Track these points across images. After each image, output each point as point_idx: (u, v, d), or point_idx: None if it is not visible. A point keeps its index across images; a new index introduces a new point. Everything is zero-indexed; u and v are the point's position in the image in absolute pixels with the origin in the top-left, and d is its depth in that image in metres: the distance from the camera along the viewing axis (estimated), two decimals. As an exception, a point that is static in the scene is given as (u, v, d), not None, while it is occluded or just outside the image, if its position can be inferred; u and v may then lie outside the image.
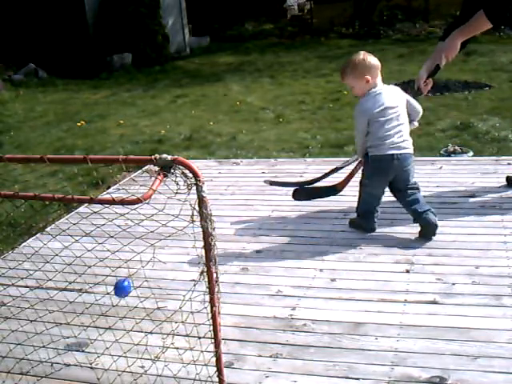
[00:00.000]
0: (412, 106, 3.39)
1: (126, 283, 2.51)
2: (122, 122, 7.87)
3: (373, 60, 3.23)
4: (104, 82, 11.14)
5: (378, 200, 3.39)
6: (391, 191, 3.39)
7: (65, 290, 2.73)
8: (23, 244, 3.69)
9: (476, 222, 3.47)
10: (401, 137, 3.22)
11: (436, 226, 3.24)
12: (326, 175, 3.75)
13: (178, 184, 1.78)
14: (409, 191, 3.30)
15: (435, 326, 2.48)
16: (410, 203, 3.29)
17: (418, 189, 3.32)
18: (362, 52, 3.25)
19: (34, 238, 3.72)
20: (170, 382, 2.22)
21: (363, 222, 3.46)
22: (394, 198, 3.91)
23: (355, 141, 3.42)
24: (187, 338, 2.28)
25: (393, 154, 3.19)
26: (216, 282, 1.91)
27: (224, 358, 2.09)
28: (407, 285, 2.84)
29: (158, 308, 2.51)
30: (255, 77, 10.48)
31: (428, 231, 3.26)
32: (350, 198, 3.99)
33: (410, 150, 3.29)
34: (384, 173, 3.27)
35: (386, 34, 14.35)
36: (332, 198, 4.01)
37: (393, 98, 3.24)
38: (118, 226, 2.31)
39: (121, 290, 2.54)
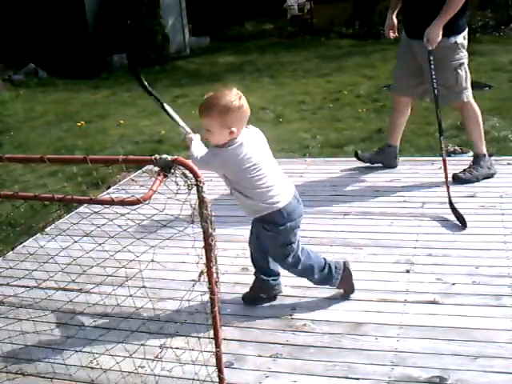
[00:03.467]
0: None
1: None
2: (122, 121, 7.86)
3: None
4: (104, 81, 11.14)
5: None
6: None
7: (65, 290, 2.73)
8: (23, 244, 3.68)
9: (476, 222, 3.47)
10: None
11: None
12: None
13: (178, 184, 1.79)
14: None
15: (435, 326, 2.48)
16: None
17: None
18: (230, 91, 2.48)
19: (33, 238, 3.72)
20: (170, 382, 2.22)
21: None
22: (393, 198, 3.92)
23: None
24: (187, 339, 2.29)
25: None
26: (216, 282, 1.91)
27: (224, 358, 2.09)
28: (407, 285, 2.84)
29: (158, 308, 2.52)
30: (255, 77, 10.47)
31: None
32: (349, 198, 4.00)
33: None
34: None
35: (386, 33, 14.33)
36: (332, 198, 4.02)
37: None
38: (119, 226, 2.31)
39: None
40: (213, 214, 1.81)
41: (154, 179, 1.73)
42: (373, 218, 3.65)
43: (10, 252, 3.56)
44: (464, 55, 4.09)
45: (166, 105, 2.95)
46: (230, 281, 2.97)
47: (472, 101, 4.15)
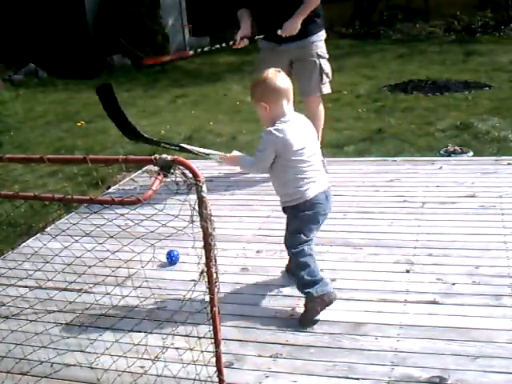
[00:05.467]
0: None
1: (175, 252, 3.20)
2: (122, 122, 7.86)
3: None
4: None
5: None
6: None
7: (65, 290, 2.74)
8: (23, 244, 3.68)
9: (476, 221, 3.47)
10: None
11: None
12: None
13: (177, 184, 1.79)
14: None
15: (435, 326, 2.48)
16: None
17: None
18: (272, 72, 2.63)
19: (33, 238, 3.72)
20: (170, 382, 2.22)
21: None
22: (393, 198, 3.92)
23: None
24: (187, 338, 2.29)
25: None
26: (216, 282, 1.91)
27: (224, 358, 2.09)
28: (407, 285, 2.84)
29: (158, 308, 2.52)
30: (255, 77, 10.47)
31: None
32: (349, 198, 4.00)
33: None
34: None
35: (386, 33, 14.35)
36: (332, 198, 4.00)
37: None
38: (118, 226, 2.31)
39: (171, 258, 3.17)
40: (212, 213, 1.81)
41: (153, 179, 1.73)
42: (373, 218, 3.65)
43: (10, 252, 3.56)
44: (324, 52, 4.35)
45: (183, 144, 3.10)
46: (230, 281, 2.97)
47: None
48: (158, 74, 11.43)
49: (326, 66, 4.34)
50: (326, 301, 2.58)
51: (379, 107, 7.47)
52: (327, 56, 4.36)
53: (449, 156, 5.04)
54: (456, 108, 7.08)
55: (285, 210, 2.74)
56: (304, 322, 2.60)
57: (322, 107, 4.47)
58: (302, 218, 2.62)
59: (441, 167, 4.46)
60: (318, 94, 4.37)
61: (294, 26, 4.07)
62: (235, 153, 2.77)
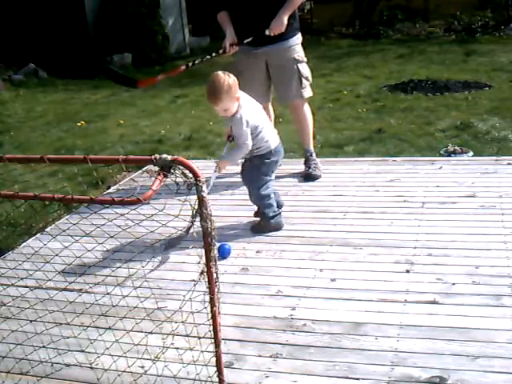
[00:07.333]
0: None
1: (227, 246, 3.28)
2: (122, 121, 7.87)
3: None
4: (104, 81, 11.12)
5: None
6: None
7: (65, 290, 2.73)
8: (23, 244, 3.68)
9: (476, 221, 3.47)
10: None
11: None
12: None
13: (177, 184, 1.79)
14: None
15: (435, 326, 2.48)
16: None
17: None
18: (223, 73, 3.34)
19: (34, 238, 3.72)
20: (170, 382, 2.22)
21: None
22: (393, 198, 3.92)
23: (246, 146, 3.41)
24: (187, 338, 2.28)
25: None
26: (216, 282, 1.91)
27: (224, 358, 2.09)
28: (407, 285, 2.84)
29: (158, 308, 2.51)
30: (255, 77, 10.47)
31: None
32: (349, 198, 4.00)
33: None
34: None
35: (386, 34, 14.36)
36: (332, 198, 4.02)
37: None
38: (118, 226, 2.30)
39: (223, 251, 3.23)
40: (212, 213, 1.81)
41: (153, 179, 1.73)
42: (373, 217, 3.65)
43: (10, 252, 3.56)
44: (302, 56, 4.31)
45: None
46: (229, 281, 2.97)
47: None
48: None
49: (305, 70, 4.30)
50: (276, 228, 3.56)
51: (379, 107, 7.47)
52: (305, 59, 4.31)
53: (449, 156, 5.04)
54: (456, 108, 7.09)
55: (251, 160, 3.50)
56: (255, 230, 3.57)
57: (307, 109, 4.45)
58: (267, 163, 3.49)
59: (441, 167, 4.46)
60: (298, 99, 4.35)
61: (281, 23, 4.00)
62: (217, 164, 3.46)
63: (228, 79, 3.30)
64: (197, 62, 4.45)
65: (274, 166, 3.55)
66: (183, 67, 4.50)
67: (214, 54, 4.29)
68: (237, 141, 3.39)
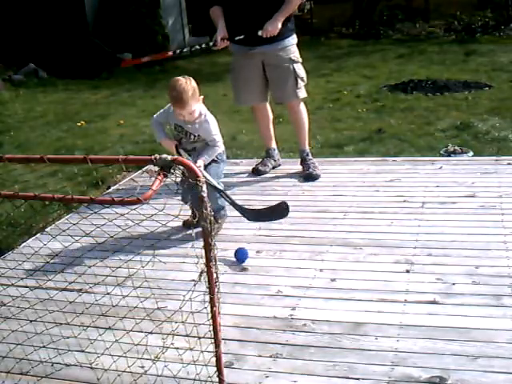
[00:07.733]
0: None
1: (244, 250, 3.23)
2: (122, 122, 7.86)
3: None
4: (104, 81, 11.14)
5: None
6: None
7: (65, 290, 2.73)
8: (23, 244, 3.68)
9: (476, 221, 3.47)
10: None
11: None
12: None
13: (178, 184, 1.79)
14: None
15: (435, 326, 2.48)
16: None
17: None
18: (183, 77, 3.42)
19: (34, 238, 3.72)
20: (170, 382, 2.22)
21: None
22: (393, 198, 3.92)
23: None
24: (187, 338, 2.28)
25: None
26: (216, 282, 1.91)
27: (224, 358, 2.09)
28: (407, 285, 2.84)
29: (158, 308, 2.51)
30: (255, 77, 10.47)
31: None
32: (349, 198, 4.00)
33: None
34: None
35: (386, 34, 14.36)
36: (332, 198, 4.02)
37: None
38: (118, 226, 2.30)
39: (241, 255, 3.21)
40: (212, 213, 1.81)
41: (153, 179, 1.73)
42: (373, 217, 3.65)
43: (10, 252, 3.56)
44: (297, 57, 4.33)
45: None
46: (229, 281, 2.97)
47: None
48: (158, 73, 11.44)
49: (301, 71, 4.31)
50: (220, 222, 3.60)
51: (379, 107, 7.47)
52: (301, 60, 4.32)
53: (449, 156, 5.04)
54: (456, 108, 7.09)
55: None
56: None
57: (303, 110, 4.45)
58: (222, 163, 3.65)
59: (441, 167, 4.46)
60: (294, 99, 4.36)
61: (275, 26, 4.01)
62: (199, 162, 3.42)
63: (190, 82, 3.37)
64: (185, 50, 4.52)
65: (224, 165, 3.72)
66: (170, 53, 4.55)
67: (203, 46, 4.31)
68: (213, 141, 3.51)
